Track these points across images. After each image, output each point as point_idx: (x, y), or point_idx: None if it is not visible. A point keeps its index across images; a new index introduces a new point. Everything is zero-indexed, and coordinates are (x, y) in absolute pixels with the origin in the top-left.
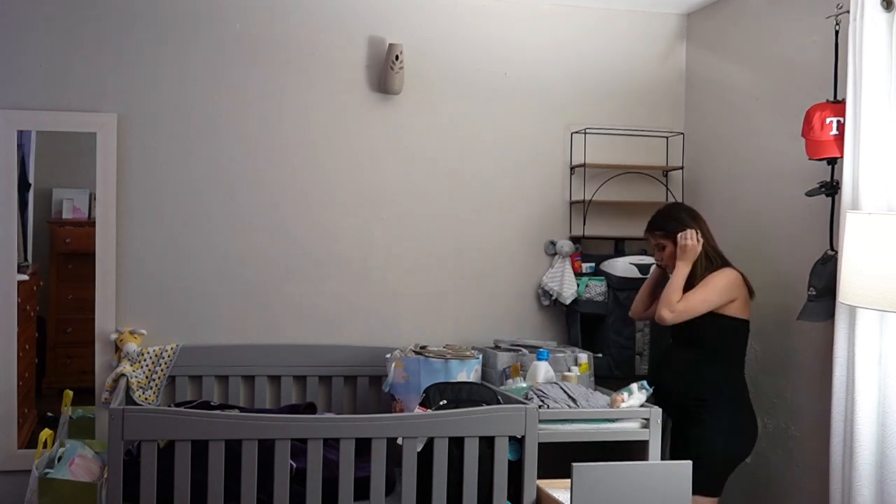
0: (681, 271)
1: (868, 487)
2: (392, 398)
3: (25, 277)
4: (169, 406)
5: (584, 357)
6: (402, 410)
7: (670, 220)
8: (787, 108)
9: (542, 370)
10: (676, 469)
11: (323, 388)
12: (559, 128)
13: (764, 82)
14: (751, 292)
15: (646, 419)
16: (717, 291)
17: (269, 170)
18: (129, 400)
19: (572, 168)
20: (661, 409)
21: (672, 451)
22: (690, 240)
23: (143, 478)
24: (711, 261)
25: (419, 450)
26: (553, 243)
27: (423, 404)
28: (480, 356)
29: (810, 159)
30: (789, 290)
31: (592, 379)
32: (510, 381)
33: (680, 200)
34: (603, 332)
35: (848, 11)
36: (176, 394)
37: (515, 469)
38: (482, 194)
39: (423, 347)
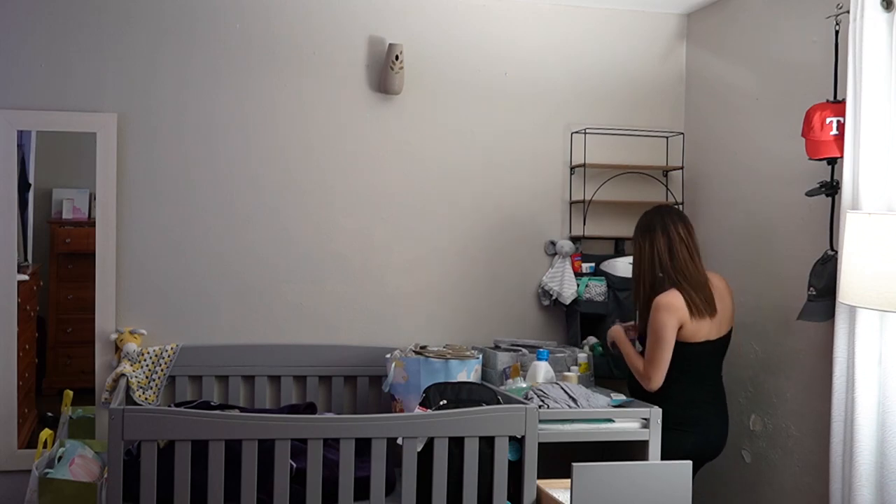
0: (623, 349)
1: (868, 487)
2: (392, 398)
3: (25, 277)
4: (169, 406)
5: (584, 357)
6: (402, 410)
7: (635, 229)
8: (787, 108)
9: (542, 370)
10: (676, 469)
11: (323, 388)
12: (559, 128)
13: (764, 82)
14: (700, 310)
15: (646, 419)
16: (665, 331)
17: (269, 170)
18: (129, 400)
19: (572, 168)
20: (660, 409)
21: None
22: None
23: (143, 478)
24: (660, 281)
25: (419, 450)
26: (553, 243)
27: (423, 404)
28: (480, 356)
29: (810, 159)
30: (789, 290)
31: (592, 379)
32: (510, 381)
33: (680, 200)
34: (603, 332)
35: (848, 11)
36: (176, 394)
37: (515, 469)
38: (482, 194)
39: (423, 347)
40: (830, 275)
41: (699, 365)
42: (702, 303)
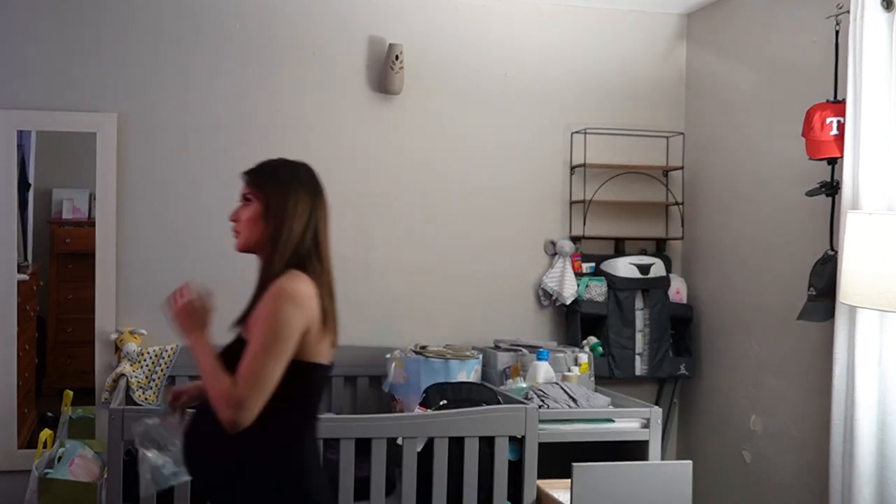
0: (198, 348)
1: (868, 487)
2: (392, 398)
3: (25, 277)
4: None
5: (584, 357)
6: (402, 410)
7: (272, 172)
8: (787, 108)
9: (542, 370)
10: (676, 469)
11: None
12: (559, 128)
13: (764, 82)
14: (327, 318)
15: (646, 419)
16: (282, 328)
17: None
18: (129, 400)
19: (572, 168)
20: (660, 409)
21: None
22: (180, 304)
23: None
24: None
25: (419, 450)
26: (553, 243)
27: (423, 404)
28: (480, 356)
29: (810, 159)
30: (789, 290)
31: (592, 379)
32: (510, 381)
33: (680, 200)
34: (603, 332)
35: (848, 11)
36: None
37: (515, 469)
38: (482, 194)
39: (423, 347)
40: (830, 275)
41: (308, 396)
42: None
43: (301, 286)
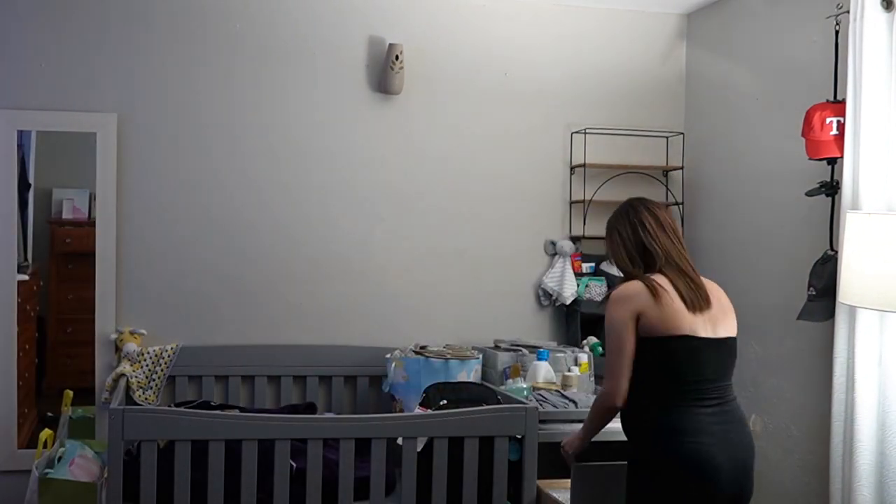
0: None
1: (868, 487)
2: (392, 398)
3: (25, 277)
4: (169, 406)
5: (584, 357)
6: (402, 410)
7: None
8: (787, 108)
9: (542, 370)
10: None
11: (323, 388)
12: (559, 128)
13: (764, 82)
14: (671, 295)
15: None
16: (611, 326)
17: (269, 169)
18: (129, 400)
19: (572, 168)
20: None
21: None
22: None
23: (143, 478)
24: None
25: (419, 450)
26: (553, 243)
27: (423, 404)
28: (480, 356)
29: (810, 159)
30: (789, 290)
31: (592, 379)
32: (510, 381)
33: (680, 200)
34: (603, 332)
35: (848, 11)
36: (176, 394)
37: (515, 469)
38: (482, 194)
39: (423, 347)
40: (830, 275)
41: (667, 373)
42: (686, 288)
43: (621, 288)
